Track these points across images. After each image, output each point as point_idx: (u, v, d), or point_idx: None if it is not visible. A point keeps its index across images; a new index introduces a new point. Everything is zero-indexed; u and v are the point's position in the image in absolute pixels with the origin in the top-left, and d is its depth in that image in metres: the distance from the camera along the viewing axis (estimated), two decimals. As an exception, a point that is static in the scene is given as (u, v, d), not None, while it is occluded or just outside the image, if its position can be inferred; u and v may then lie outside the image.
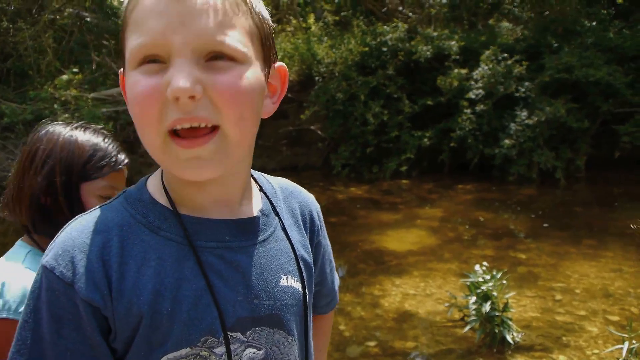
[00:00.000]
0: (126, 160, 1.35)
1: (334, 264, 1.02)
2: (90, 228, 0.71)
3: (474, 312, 3.48)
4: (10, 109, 10.43)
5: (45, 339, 0.68)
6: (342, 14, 13.63)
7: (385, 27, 10.11)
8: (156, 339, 0.69)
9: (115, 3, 11.15)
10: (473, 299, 3.51)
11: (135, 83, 0.67)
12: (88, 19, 12.45)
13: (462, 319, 3.81)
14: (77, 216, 0.75)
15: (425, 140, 8.99)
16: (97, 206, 0.76)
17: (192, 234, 0.72)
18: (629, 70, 8.59)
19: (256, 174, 0.88)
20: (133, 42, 0.67)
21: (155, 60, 0.66)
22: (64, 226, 0.74)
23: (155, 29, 0.64)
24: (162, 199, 0.75)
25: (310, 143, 10.66)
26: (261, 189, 0.85)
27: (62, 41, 12.36)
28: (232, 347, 0.72)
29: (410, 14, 11.73)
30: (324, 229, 0.96)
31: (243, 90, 0.67)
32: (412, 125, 9.29)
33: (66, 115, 10.30)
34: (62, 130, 1.27)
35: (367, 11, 13.27)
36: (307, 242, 0.88)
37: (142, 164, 10.78)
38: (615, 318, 3.80)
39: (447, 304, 4.02)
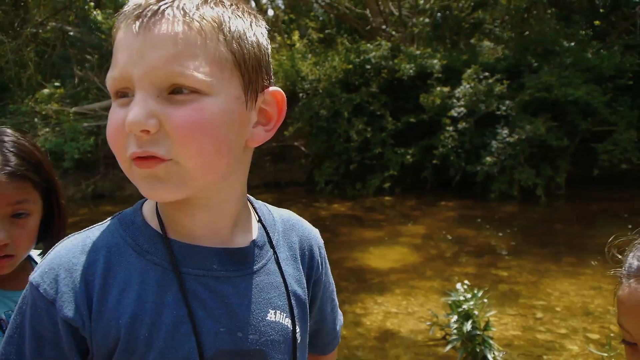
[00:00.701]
0: None
1: (336, 302, 0.98)
2: (79, 247, 0.72)
3: (455, 331, 3.48)
4: (-11, 123, 10.27)
5: (26, 355, 0.68)
6: (327, 31, 13.79)
7: (368, 45, 10.23)
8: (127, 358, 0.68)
9: (100, 18, 11.10)
10: (454, 317, 3.51)
11: (110, 114, 0.68)
12: (71, 33, 12.37)
13: (443, 338, 3.79)
14: (70, 234, 0.75)
15: (408, 157, 9.05)
16: (91, 226, 0.76)
17: (179, 260, 0.71)
18: (607, 89, 8.78)
19: (258, 203, 0.86)
20: (108, 75, 0.68)
21: (126, 94, 0.67)
22: (56, 244, 0.74)
23: (121, 62, 0.65)
24: (153, 223, 0.74)
25: (293, 159, 10.66)
26: (259, 220, 0.83)
27: (44, 55, 12.26)
28: None
29: (394, 32, 11.88)
30: (327, 266, 0.93)
31: (202, 122, 0.65)
32: (395, 143, 9.35)
33: (47, 129, 10.19)
34: None
35: (351, 29, 13.43)
36: (303, 278, 0.84)
37: (124, 179, 10.68)
38: (596, 336, 3.82)
39: (429, 323, 4.00)
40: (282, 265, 0.80)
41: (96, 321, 0.67)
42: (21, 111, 10.55)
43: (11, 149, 1.09)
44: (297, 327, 0.78)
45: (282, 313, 0.77)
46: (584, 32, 11.26)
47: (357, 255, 5.94)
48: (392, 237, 6.71)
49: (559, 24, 11.02)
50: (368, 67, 9.81)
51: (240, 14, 0.71)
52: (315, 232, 0.92)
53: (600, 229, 6.87)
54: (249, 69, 0.71)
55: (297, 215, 0.93)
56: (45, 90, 10.66)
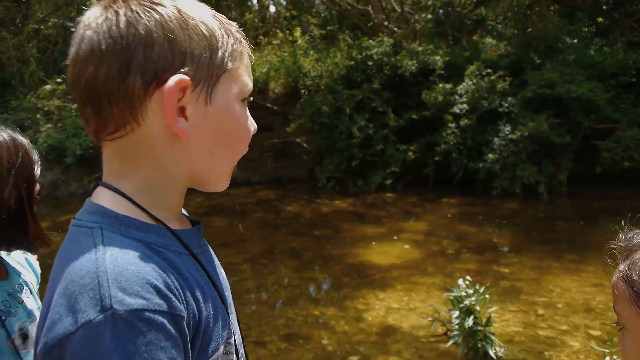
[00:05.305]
0: None
1: None
2: (130, 258, 0.65)
3: (457, 326, 3.48)
4: (-9, 119, 10.28)
5: None
6: (329, 28, 13.77)
7: (370, 41, 10.21)
8: (203, 343, 0.71)
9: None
10: (456, 313, 3.51)
11: (246, 117, 0.81)
12: (73, 29, 12.35)
13: (445, 334, 3.80)
14: (92, 258, 0.64)
15: (410, 154, 9.04)
16: (98, 246, 0.66)
17: (188, 244, 0.78)
18: (609, 87, 8.75)
19: None
20: (248, 82, 0.80)
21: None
22: (91, 266, 0.63)
23: (251, 79, 0.82)
24: (147, 221, 0.73)
25: (295, 156, 10.66)
26: None
27: (46, 51, 12.26)
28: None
29: (396, 29, 11.86)
30: None
31: None
32: (397, 139, 9.35)
33: (49, 125, 10.20)
34: None
35: (353, 25, 13.41)
36: None
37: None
38: (597, 333, 3.82)
39: (430, 319, 4.01)
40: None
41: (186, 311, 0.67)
42: (23, 107, 10.57)
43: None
44: None
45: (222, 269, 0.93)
46: (586, 29, 11.23)
47: (359, 252, 5.95)
48: (393, 234, 6.71)
49: (561, 21, 10.98)
50: (370, 63, 9.80)
51: None
52: None
53: (602, 227, 6.86)
54: None
55: None
56: (47, 87, 10.66)
